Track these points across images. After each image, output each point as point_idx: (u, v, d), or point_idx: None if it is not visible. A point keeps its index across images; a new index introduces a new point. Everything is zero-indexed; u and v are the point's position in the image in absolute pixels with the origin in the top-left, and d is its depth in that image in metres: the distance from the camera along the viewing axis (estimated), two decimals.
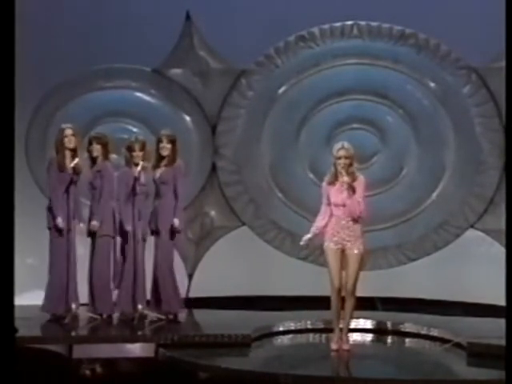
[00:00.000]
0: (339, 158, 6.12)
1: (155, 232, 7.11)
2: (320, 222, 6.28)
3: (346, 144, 6.18)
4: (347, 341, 6.29)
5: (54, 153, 7.09)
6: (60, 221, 6.91)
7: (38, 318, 6.90)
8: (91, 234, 7.10)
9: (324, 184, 6.30)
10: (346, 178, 6.06)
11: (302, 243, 6.35)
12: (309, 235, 6.30)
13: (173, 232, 7.05)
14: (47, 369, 5.88)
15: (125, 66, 8.23)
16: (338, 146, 6.19)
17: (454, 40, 7.85)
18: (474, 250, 8.16)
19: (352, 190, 6.09)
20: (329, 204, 6.23)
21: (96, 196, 7.10)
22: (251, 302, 7.91)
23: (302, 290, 8.01)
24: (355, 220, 6.16)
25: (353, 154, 6.16)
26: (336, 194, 6.16)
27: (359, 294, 6.27)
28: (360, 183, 6.14)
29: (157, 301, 7.07)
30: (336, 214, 6.19)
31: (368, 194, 6.42)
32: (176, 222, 7.01)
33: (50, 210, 7.00)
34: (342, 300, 6.22)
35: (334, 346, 6.26)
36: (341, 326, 6.30)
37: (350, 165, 6.14)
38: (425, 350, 6.59)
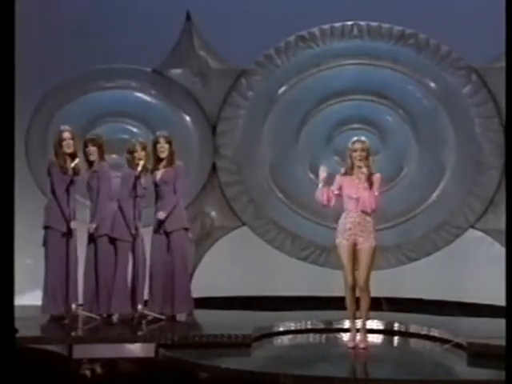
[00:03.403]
0: (355, 150, 6.20)
1: (165, 234, 7.09)
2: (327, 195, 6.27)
3: (362, 137, 6.31)
4: (365, 339, 6.32)
5: (54, 155, 7.08)
6: (73, 223, 6.94)
7: (37, 318, 6.90)
8: (90, 234, 7.10)
9: (338, 175, 6.31)
10: (364, 170, 6.11)
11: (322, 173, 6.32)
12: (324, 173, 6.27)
13: (160, 224, 7.05)
14: (47, 369, 5.88)
15: (125, 66, 8.23)
16: (354, 139, 6.29)
17: (454, 40, 7.85)
18: (474, 250, 8.15)
19: (369, 182, 6.12)
20: (338, 195, 6.25)
21: (93, 196, 7.09)
22: (251, 302, 7.91)
23: (301, 290, 8.02)
24: (367, 214, 6.17)
25: (369, 147, 6.25)
26: (350, 185, 6.19)
27: None
28: (377, 179, 6.19)
29: (164, 300, 7.07)
30: (348, 208, 6.20)
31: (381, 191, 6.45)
32: (161, 214, 7.01)
33: (52, 211, 6.98)
34: (357, 299, 6.24)
35: (350, 344, 6.31)
36: (358, 326, 6.33)
37: (367, 158, 6.19)
38: (425, 350, 6.59)
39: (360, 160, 6.17)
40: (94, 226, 7.00)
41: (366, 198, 6.14)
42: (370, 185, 6.16)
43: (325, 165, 6.42)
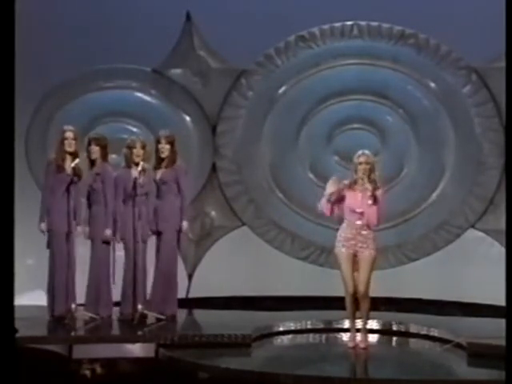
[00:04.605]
0: (360, 163, 6.14)
1: (157, 233, 7.10)
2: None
3: (366, 151, 6.22)
4: (366, 340, 6.33)
5: (53, 153, 7.08)
6: (43, 226, 6.89)
7: (37, 318, 6.89)
8: (91, 236, 7.10)
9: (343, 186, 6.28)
10: (368, 186, 6.08)
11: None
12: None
13: (179, 233, 7.06)
14: (47, 369, 5.88)
15: (125, 66, 8.23)
16: (359, 152, 6.22)
17: (454, 40, 7.86)
18: (474, 250, 8.16)
19: (374, 198, 6.09)
20: (339, 202, 6.21)
21: (97, 199, 7.07)
22: (251, 302, 7.91)
23: (302, 290, 8.02)
24: (369, 227, 6.17)
25: (374, 161, 6.20)
26: (354, 199, 6.15)
27: None
28: (381, 195, 6.14)
29: (155, 300, 7.07)
30: (350, 219, 6.18)
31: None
32: (185, 225, 7.02)
33: (51, 212, 6.95)
34: (357, 300, 6.24)
35: (350, 344, 6.32)
36: (358, 326, 6.34)
37: (371, 171, 6.15)
38: (425, 350, 6.59)
39: (363, 173, 6.14)
40: (110, 231, 7.01)
41: (370, 214, 6.11)
42: (375, 201, 6.12)
43: (336, 177, 6.29)
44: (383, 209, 6.17)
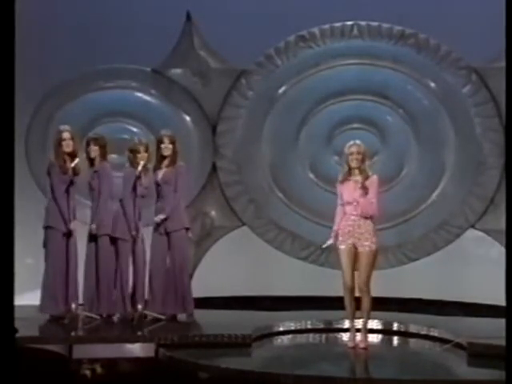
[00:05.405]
0: (351, 153, 6.19)
1: (165, 234, 7.09)
2: (338, 225, 6.30)
3: (357, 141, 6.27)
4: (366, 339, 6.32)
5: (53, 155, 7.09)
6: (73, 224, 6.91)
7: (37, 318, 6.90)
8: (91, 235, 7.10)
9: (338, 184, 6.32)
10: (358, 178, 6.10)
11: (324, 246, 6.46)
12: (330, 241, 6.33)
13: (158, 224, 7.04)
14: (47, 369, 5.88)
15: (125, 66, 8.23)
16: (349, 143, 6.26)
17: (454, 40, 7.85)
18: (474, 250, 8.16)
19: (365, 189, 6.10)
20: (343, 204, 6.25)
21: (95, 196, 7.10)
22: (251, 302, 7.91)
23: (302, 290, 8.02)
24: (367, 218, 6.16)
25: (365, 151, 6.23)
26: (349, 191, 6.19)
27: None
28: (373, 182, 6.17)
29: (160, 300, 7.08)
30: (348, 212, 6.20)
31: (380, 191, 6.44)
32: (159, 217, 7.00)
33: (51, 211, 6.97)
34: (357, 299, 6.24)
35: (350, 344, 6.31)
36: (358, 326, 6.33)
37: (363, 161, 6.17)
38: (425, 350, 6.59)
39: (356, 163, 6.15)
40: (94, 226, 7.01)
41: (363, 205, 6.13)
42: (367, 191, 6.14)
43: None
44: (377, 197, 6.17)
